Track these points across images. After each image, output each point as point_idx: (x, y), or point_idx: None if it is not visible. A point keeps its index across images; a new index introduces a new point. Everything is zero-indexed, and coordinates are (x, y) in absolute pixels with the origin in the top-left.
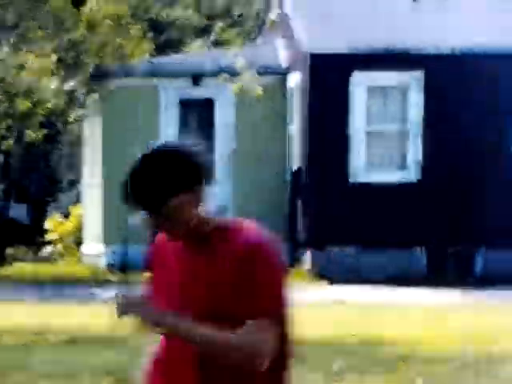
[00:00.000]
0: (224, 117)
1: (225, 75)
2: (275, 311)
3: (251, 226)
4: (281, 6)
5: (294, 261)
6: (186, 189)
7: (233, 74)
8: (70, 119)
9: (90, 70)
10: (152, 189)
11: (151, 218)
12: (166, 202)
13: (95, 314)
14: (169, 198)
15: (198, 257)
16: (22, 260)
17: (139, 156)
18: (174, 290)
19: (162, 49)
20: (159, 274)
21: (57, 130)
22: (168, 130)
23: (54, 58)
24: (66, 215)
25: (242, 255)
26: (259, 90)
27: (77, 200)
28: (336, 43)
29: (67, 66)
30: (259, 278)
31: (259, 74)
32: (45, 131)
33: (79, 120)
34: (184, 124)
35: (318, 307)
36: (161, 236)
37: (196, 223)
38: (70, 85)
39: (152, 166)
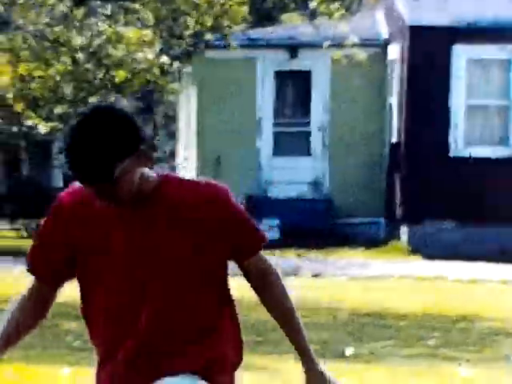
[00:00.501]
0: (320, 89)
1: (326, 42)
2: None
3: (195, 179)
4: None
5: (391, 236)
6: (132, 152)
7: (332, 45)
8: (166, 91)
9: (188, 41)
10: (100, 156)
11: (98, 187)
12: (114, 168)
13: None
14: (117, 164)
15: (156, 219)
16: None
17: (77, 121)
18: (127, 260)
19: (259, 21)
20: (87, 246)
21: (152, 102)
22: (264, 102)
23: (152, 28)
24: None
25: (211, 203)
26: (363, 56)
27: (172, 171)
28: (437, 16)
29: (165, 37)
30: (239, 215)
31: (359, 46)
32: (140, 103)
33: (175, 92)
34: (280, 96)
35: (414, 282)
36: (70, 201)
37: (143, 185)
38: (166, 56)
39: (96, 131)
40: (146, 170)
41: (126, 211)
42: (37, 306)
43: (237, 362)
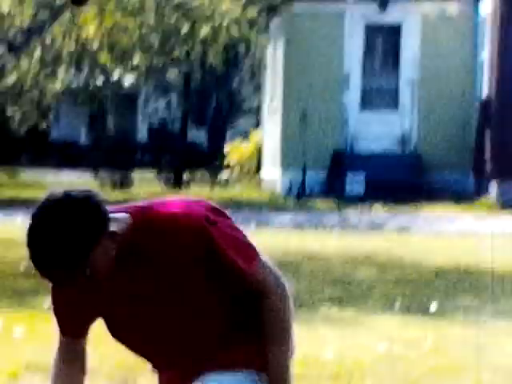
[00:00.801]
0: (410, 43)
1: None
2: (255, 251)
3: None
4: None
5: (480, 192)
6: (103, 231)
7: None
8: (253, 44)
9: None
10: (71, 247)
11: (70, 276)
12: (88, 256)
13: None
14: (91, 251)
15: (143, 273)
16: (199, 184)
17: (37, 215)
18: (143, 318)
19: None
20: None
21: (239, 54)
22: (352, 57)
23: None
24: (246, 140)
25: (188, 244)
26: (454, 10)
27: (257, 125)
28: None
29: None
30: (222, 244)
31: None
32: (226, 55)
33: (263, 45)
34: (369, 50)
35: (503, 238)
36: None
37: (119, 248)
38: (253, 9)
39: (60, 222)
40: (115, 226)
41: (109, 280)
42: (76, 364)
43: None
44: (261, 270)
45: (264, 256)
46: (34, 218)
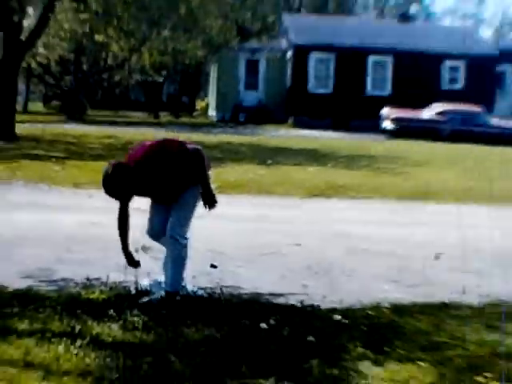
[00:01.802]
0: (263, 67)
1: None
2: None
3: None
4: None
5: (288, 120)
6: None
7: None
8: (206, 65)
9: None
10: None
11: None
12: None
13: None
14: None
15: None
16: (184, 115)
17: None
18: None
19: None
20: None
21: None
22: (242, 73)
23: None
24: (203, 100)
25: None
26: (276, 54)
27: (206, 95)
28: None
29: None
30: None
31: None
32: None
33: (209, 65)
34: (248, 71)
35: (298, 138)
36: None
37: None
38: (204, 49)
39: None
40: None
41: None
42: (127, 218)
43: None
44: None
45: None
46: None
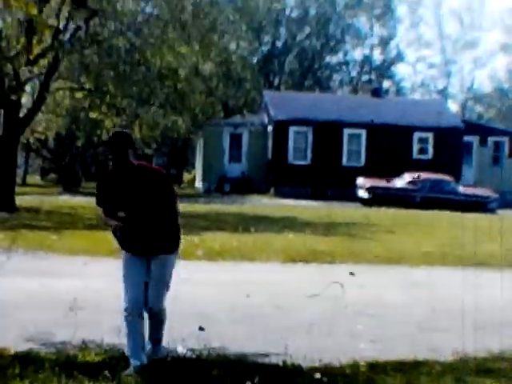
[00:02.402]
0: (245, 141)
1: None
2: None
3: (154, 167)
4: None
5: (269, 189)
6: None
7: None
8: (193, 138)
9: None
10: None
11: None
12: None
13: None
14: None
15: (133, 179)
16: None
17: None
18: (126, 198)
19: None
20: (111, 193)
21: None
22: (226, 148)
23: None
24: (190, 172)
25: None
26: (258, 127)
27: (194, 167)
28: None
29: None
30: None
31: None
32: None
33: (195, 139)
34: (232, 144)
35: (276, 207)
36: (106, 174)
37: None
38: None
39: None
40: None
41: (124, 174)
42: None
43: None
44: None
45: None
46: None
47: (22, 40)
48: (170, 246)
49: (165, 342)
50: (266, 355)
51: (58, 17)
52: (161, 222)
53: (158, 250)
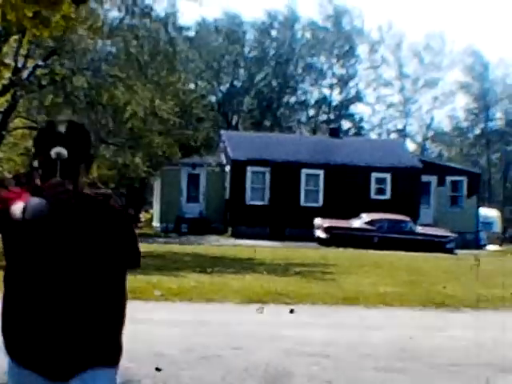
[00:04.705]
0: (203, 185)
1: None
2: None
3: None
4: None
5: (226, 230)
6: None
7: None
8: (149, 179)
9: None
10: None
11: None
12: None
13: None
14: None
15: (73, 215)
16: None
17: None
18: (48, 249)
19: None
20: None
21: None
22: (184, 188)
23: None
24: (147, 212)
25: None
26: (216, 167)
27: (151, 206)
28: None
29: None
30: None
31: None
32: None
33: (152, 180)
34: (190, 184)
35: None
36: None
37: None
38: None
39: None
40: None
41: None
42: None
43: None
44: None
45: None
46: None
47: None
48: (110, 353)
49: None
50: None
51: (16, 55)
52: (104, 305)
53: (89, 362)
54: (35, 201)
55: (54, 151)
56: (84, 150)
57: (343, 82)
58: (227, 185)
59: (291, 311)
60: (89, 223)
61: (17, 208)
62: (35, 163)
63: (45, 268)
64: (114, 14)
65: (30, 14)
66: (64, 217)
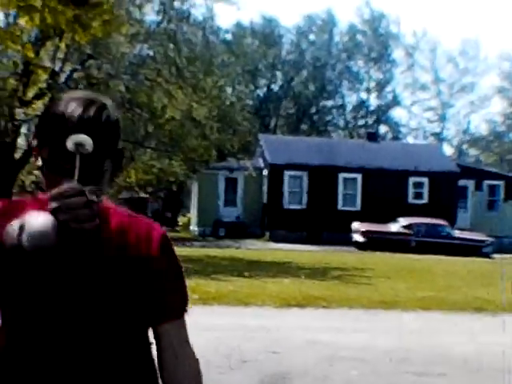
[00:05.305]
0: (241, 185)
1: None
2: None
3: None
4: None
5: (264, 234)
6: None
7: None
8: (188, 184)
9: None
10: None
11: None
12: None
13: None
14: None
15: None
16: (168, 230)
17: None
18: (61, 289)
19: None
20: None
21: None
22: (222, 191)
23: None
24: (185, 216)
25: (151, 244)
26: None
27: (189, 211)
28: None
29: None
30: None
31: None
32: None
33: (190, 183)
34: (227, 189)
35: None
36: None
37: None
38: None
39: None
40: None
41: None
42: None
43: None
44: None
45: None
46: None
47: (17, 82)
48: None
49: None
50: None
51: (54, 59)
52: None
53: None
54: (37, 218)
55: (72, 140)
56: (113, 142)
57: (380, 86)
58: (265, 189)
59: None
60: (118, 259)
61: (10, 230)
62: (39, 161)
63: (50, 324)
64: (152, 17)
65: (71, 18)
66: (81, 249)
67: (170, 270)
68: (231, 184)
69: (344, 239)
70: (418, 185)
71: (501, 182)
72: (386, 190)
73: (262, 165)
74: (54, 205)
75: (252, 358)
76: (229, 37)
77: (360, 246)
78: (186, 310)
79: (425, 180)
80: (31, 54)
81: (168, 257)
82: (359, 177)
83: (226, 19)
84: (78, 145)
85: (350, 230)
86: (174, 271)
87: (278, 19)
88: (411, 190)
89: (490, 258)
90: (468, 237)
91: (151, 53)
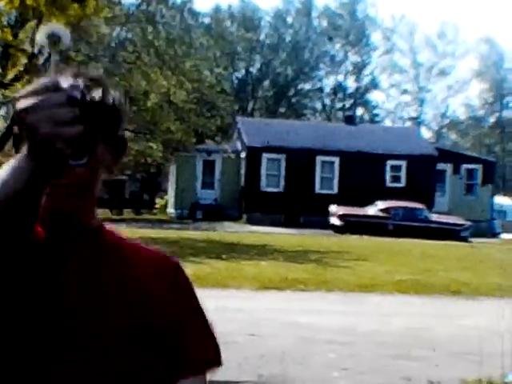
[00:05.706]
0: (219, 168)
1: None
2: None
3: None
4: None
5: (241, 217)
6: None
7: None
8: (165, 165)
9: None
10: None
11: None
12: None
13: None
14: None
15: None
16: (146, 211)
17: None
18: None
19: None
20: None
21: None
22: (199, 174)
23: None
24: (163, 198)
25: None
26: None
27: (166, 193)
28: None
29: None
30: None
31: None
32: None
33: (167, 165)
34: (205, 172)
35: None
36: None
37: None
38: (167, 152)
39: None
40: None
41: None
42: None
43: None
44: None
45: None
46: None
47: None
48: None
49: None
50: (238, 383)
51: (32, 41)
52: None
53: None
54: None
55: (43, 32)
56: (109, 125)
57: (358, 69)
58: (242, 172)
59: None
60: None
61: None
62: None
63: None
64: (131, 0)
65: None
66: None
67: (185, 310)
68: (209, 166)
69: (321, 222)
70: (396, 168)
71: (479, 166)
72: (363, 173)
73: (240, 147)
74: (20, 105)
75: (230, 340)
76: (208, 20)
77: (337, 230)
78: (210, 365)
79: (403, 163)
80: (9, 38)
81: (181, 294)
82: (337, 160)
83: (204, 3)
84: (51, 37)
85: (327, 214)
86: (189, 312)
87: (256, 2)
88: (389, 174)
89: (467, 241)
90: (446, 220)
91: (130, 35)
